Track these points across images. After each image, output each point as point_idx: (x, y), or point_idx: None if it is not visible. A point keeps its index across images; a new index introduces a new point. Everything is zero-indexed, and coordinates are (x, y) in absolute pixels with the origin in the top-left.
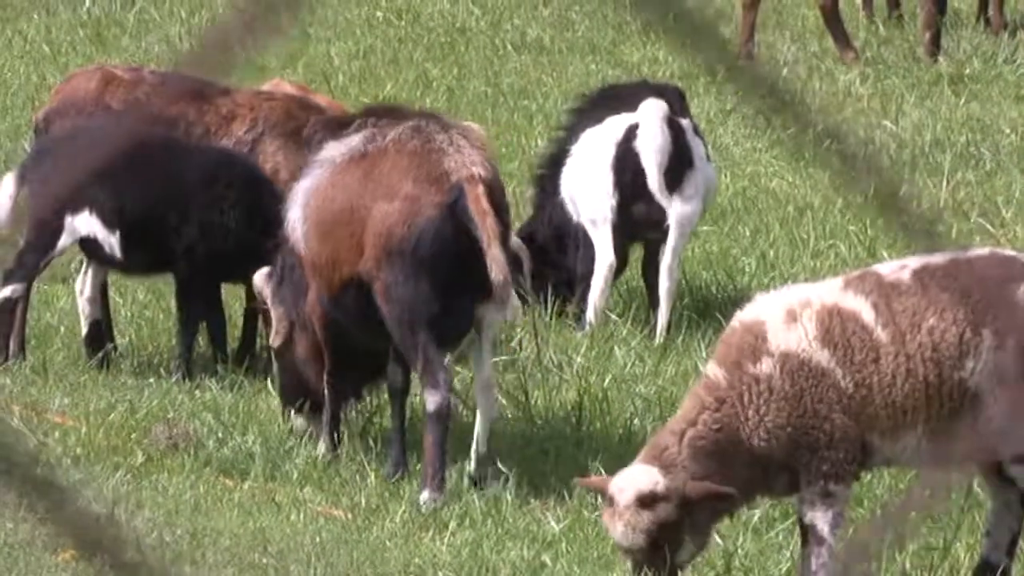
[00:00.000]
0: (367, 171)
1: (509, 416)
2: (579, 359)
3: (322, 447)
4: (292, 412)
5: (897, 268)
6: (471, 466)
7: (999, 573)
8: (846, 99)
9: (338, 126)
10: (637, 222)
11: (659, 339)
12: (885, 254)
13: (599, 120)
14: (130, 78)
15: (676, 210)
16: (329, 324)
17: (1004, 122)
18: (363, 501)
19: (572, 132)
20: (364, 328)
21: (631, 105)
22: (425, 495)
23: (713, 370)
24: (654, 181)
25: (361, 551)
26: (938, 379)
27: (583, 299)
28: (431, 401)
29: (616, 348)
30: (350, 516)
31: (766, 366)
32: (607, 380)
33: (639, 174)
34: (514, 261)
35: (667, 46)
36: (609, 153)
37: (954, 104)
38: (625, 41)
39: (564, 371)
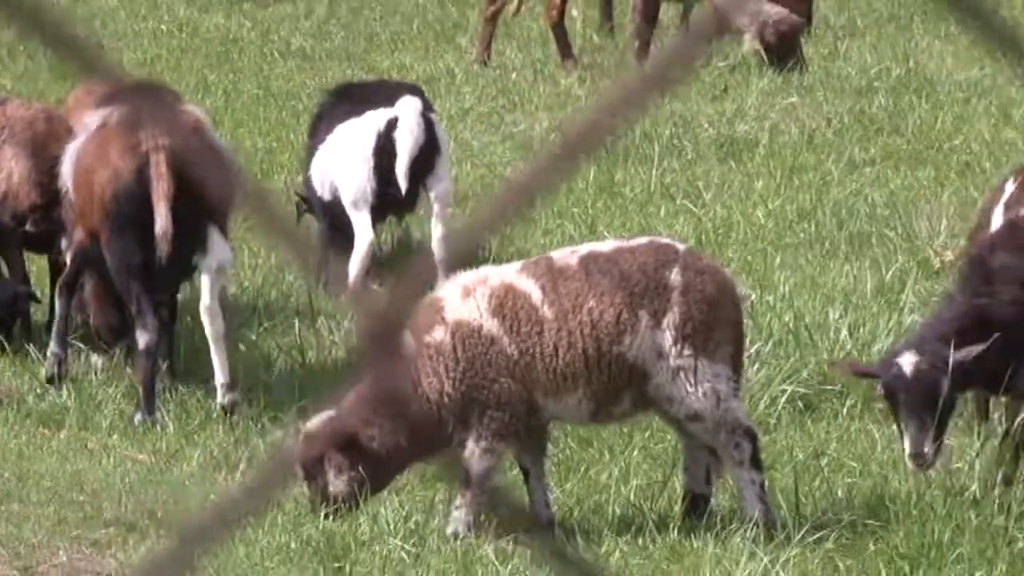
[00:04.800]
0: (100, 141)
1: (290, 372)
2: (347, 323)
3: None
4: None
5: (568, 254)
6: (219, 397)
7: (702, 500)
8: (567, 99)
9: (102, 98)
10: (392, 203)
11: None
12: (604, 231)
13: (352, 113)
14: None
15: (435, 189)
16: (80, 264)
17: (703, 117)
18: (164, 447)
19: (323, 122)
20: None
21: (380, 100)
22: (138, 416)
23: (405, 335)
24: (402, 166)
25: (164, 490)
26: (596, 352)
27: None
28: (142, 340)
29: None
30: (153, 459)
31: (439, 334)
32: None
33: (395, 160)
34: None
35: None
36: (370, 142)
37: (659, 103)
38: (376, 50)
39: (334, 334)
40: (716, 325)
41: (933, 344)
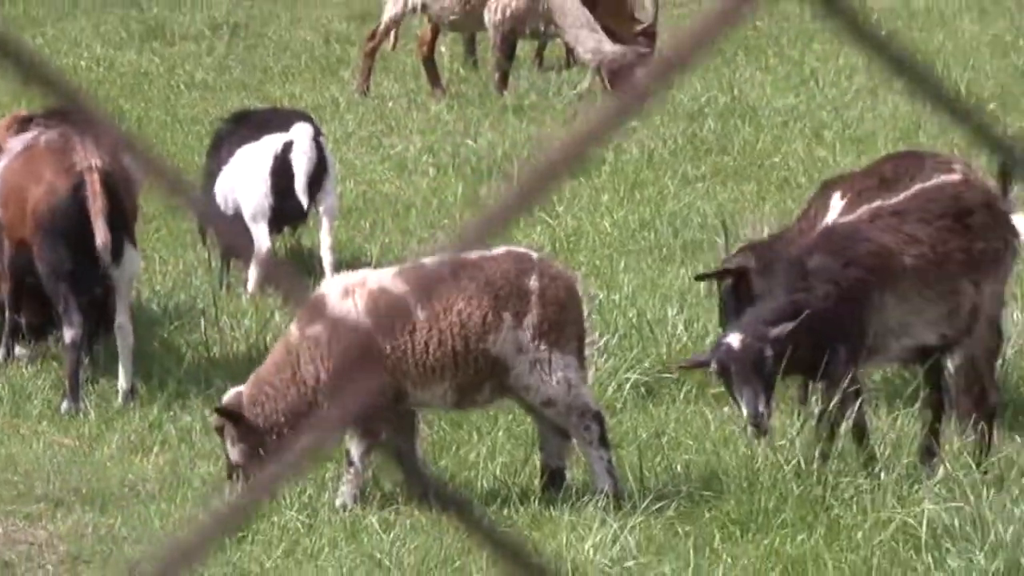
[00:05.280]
0: (27, 161)
1: (197, 365)
2: (247, 321)
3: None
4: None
5: (438, 261)
6: (120, 382)
7: (559, 475)
8: (437, 124)
9: (23, 123)
10: (287, 216)
11: None
12: None
13: (250, 137)
14: None
15: (323, 203)
16: (15, 274)
17: (555, 139)
18: (87, 432)
19: (224, 145)
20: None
21: (275, 126)
22: (64, 404)
23: (292, 327)
24: (300, 185)
25: (87, 470)
26: (465, 349)
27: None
28: (68, 335)
29: (276, 313)
30: (77, 443)
31: (319, 328)
32: (268, 337)
33: (291, 179)
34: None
35: None
36: (268, 163)
37: (518, 127)
38: (269, 81)
39: (236, 331)
40: (566, 323)
41: (755, 326)
